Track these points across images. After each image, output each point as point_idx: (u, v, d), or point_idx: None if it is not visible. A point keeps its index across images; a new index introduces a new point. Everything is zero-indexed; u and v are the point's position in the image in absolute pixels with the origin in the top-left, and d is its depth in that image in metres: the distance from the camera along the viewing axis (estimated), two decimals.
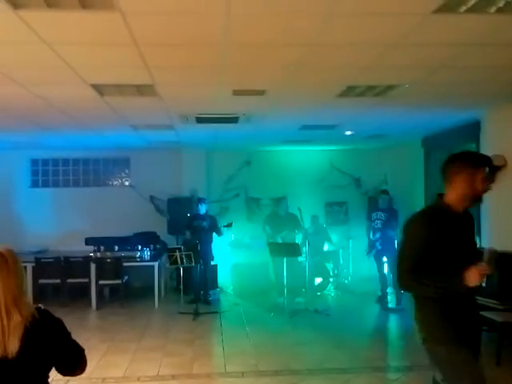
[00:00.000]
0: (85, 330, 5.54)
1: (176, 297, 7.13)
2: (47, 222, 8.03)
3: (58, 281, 6.61)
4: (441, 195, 2.18)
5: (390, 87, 4.04)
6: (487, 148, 5.14)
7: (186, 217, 6.92)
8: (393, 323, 6.04)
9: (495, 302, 4.38)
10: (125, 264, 6.71)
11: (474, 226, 2.28)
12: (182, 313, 6.22)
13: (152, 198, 8.22)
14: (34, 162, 8.36)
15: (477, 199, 2.13)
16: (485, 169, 2.08)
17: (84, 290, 6.74)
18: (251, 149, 8.36)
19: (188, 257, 6.33)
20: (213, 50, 3.00)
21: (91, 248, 7.07)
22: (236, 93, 4.16)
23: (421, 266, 2.04)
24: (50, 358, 1.61)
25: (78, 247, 7.22)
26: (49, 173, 8.41)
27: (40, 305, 1.68)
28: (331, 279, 7.49)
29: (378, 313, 6.33)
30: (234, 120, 5.44)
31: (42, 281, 6.59)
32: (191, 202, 7.59)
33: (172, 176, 8.19)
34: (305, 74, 3.58)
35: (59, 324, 1.65)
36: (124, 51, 2.97)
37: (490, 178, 2.13)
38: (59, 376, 1.77)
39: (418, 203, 7.72)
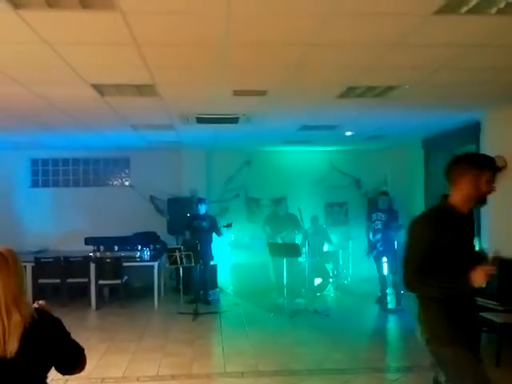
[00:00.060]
0: (84, 329, 5.54)
1: (176, 297, 7.13)
2: (47, 221, 8.03)
3: (58, 280, 6.61)
4: (445, 196, 2.20)
5: (391, 88, 4.04)
6: (487, 149, 5.14)
7: (186, 217, 6.92)
8: (392, 324, 6.04)
9: (495, 303, 4.38)
10: (124, 264, 6.70)
11: (474, 226, 2.29)
12: (182, 313, 6.21)
13: (152, 198, 8.22)
14: (34, 162, 8.36)
15: (481, 200, 2.15)
16: (489, 170, 2.10)
17: (84, 290, 6.74)
18: (251, 149, 8.37)
19: (188, 257, 6.33)
20: (213, 50, 3.00)
21: (91, 248, 7.07)
22: (236, 93, 4.16)
23: (426, 266, 2.05)
24: (49, 358, 1.61)
25: (77, 247, 7.22)
26: (49, 173, 8.40)
27: (40, 303, 1.68)
28: (331, 280, 7.49)
29: (377, 313, 6.33)
30: (234, 120, 5.44)
31: (41, 280, 6.59)
32: (191, 202, 7.59)
33: (172, 176, 8.19)
34: (305, 74, 3.59)
35: (58, 324, 1.65)
36: (124, 51, 2.97)
37: (493, 180, 2.15)
38: (58, 375, 1.77)
39: (418, 204, 7.72)
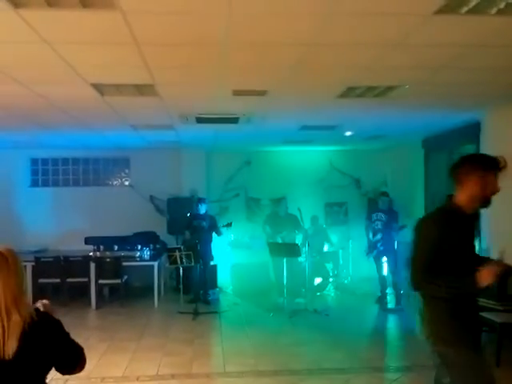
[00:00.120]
0: (84, 329, 5.54)
1: (175, 296, 7.13)
2: (47, 221, 8.03)
3: (58, 280, 6.61)
4: (450, 196, 2.22)
5: (391, 88, 4.04)
6: (487, 149, 5.14)
7: (186, 217, 6.92)
8: (392, 324, 6.04)
9: (494, 302, 4.38)
10: (124, 263, 6.71)
11: (474, 228, 2.31)
12: (182, 312, 6.22)
13: (152, 198, 8.22)
14: (34, 162, 8.36)
15: (486, 201, 2.17)
16: (494, 171, 2.13)
17: (84, 290, 6.74)
18: (251, 149, 8.36)
19: (187, 256, 6.33)
20: (213, 50, 3.00)
21: (91, 247, 7.07)
22: (236, 93, 4.16)
23: (433, 266, 2.06)
24: (48, 358, 1.60)
25: (77, 247, 7.22)
26: (49, 172, 8.40)
27: (44, 302, 1.68)
28: (331, 279, 7.49)
29: (377, 313, 6.33)
30: (234, 120, 5.44)
31: (41, 280, 6.59)
32: (191, 201, 7.60)
33: (172, 176, 8.19)
34: (305, 74, 3.58)
35: (57, 325, 1.64)
36: (124, 51, 2.97)
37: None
38: (58, 375, 1.77)
39: (418, 204, 7.73)
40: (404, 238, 6.93)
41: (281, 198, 7.33)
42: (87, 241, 7.28)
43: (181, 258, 6.35)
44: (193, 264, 6.42)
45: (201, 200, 7.01)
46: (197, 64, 3.29)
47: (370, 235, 6.46)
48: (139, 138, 6.79)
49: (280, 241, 6.87)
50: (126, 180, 8.51)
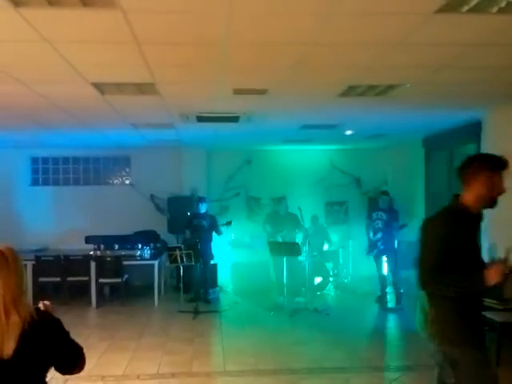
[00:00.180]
0: (85, 328, 5.55)
1: (176, 295, 7.13)
2: (47, 220, 8.03)
3: (58, 279, 6.62)
4: (457, 196, 2.23)
5: (391, 87, 4.04)
6: (488, 148, 5.13)
7: (186, 216, 6.92)
8: (392, 323, 6.05)
9: (495, 301, 4.38)
10: (125, 262, 6.71)
11: (479, 227, 2.33)
12: (182, 311, 6.22)
13: (152, 197, 8.22)
14: (35, 161, 8.37)
15: (493, 202, 2.19)
16: (501, 172, 2.14)
17: (84, 289, 6.75)
18: (252, 148, 8.36)
19: (188, 255, 6.33)
20: (214, 49, 3.00)
21: (91, 246, 7.08)
22: (237, 92, 4.15)
23: (441, 265, 2.07)
24: (47, 358, 1.60)
25: (78, 245, 7.23)
26: (49, 171, 8.41)
27: (45, 303, 1.68)
28: (331, 279, 7.49)
29: (377, 312, 6.33)
30: (234, 119, 5.44)
31: (42, 279, 6.60)
32: (191, 200, 7.60)
33: (172, 175, 8.19)
34: (306, 73, 3.58)
35: (57, 325, 1.64)
36: (125, 49, 2.97)
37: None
38: (58, 374, 1.77)
39: (419, 203, 7.73)
40: (404, 237, 6.94)
41: (281, 197, 7.34)
42: (88, 240, 7.29)
43: (181, 257, 6.35)
44: (193, 263, 6.42)
45: (201, 199, 7.02)
46: (197, 63, 3.29)
47: (371, 234, 6.46)
48: (140, 136, 6.79)
49: (280, 240, 6.87)
50: (127, 179, 8.51)
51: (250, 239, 8.09)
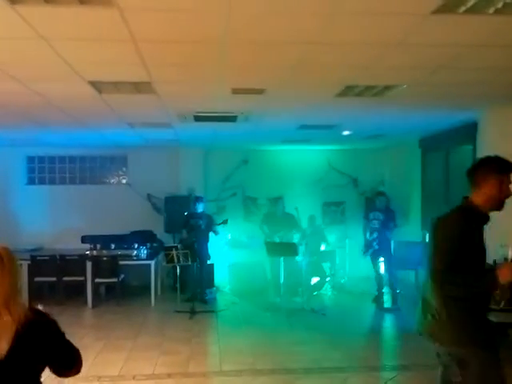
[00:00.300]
0: (80, 327, 5.53)
1: (172, 295, 7.11)
2: (43, 219, 7.99)
3: (54, 279, 6.58)
4: (466, 198, 2.26)
5: (389, 87, 4.04)
6: (484, 149, 5.14)
7: (183, 215, 6.91)
8: (389, 323, 6.06)
9: (492, 302, 4.39)
10: (121, 262, 6.69)
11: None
12: (179, 311, 6.21)
13: (149, 197, 8.20)
14: (31, 160, 8.33)
15: (501, 204, 2.21)
16: (510, 174, 2.17)
17: (80, 288, 6.72)
18: (249, 148, 8.36)
19: (185, 255, 6.32)
20: (212, 48, 2.99)
21: (87, 246, 7.05)
22: (235, 91, 4.15)
23: (453, 265, 2.08)
24: (42, 359, 1.59)
25: (74, 245, 7.19)
26: (45, 170, 8.37)
27: (40, 306, 1.67)
28: (328, 279, 7.50)
29: (374, 312, 6.34)
30: (232, 119, 5.43)
31: (37, 279, 6.56)
32: (188, 200, 7.59)
33: (169, 174, 8.17)
34: (304, 73, 3.58)
35: (53, 325, 1.63)
36: (122, 48, 2.96)
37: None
38: (53, 374, 1.76)
39: (415, 204, 7.75)
40: (400, 237, 6.95)
41: (278, 198, 7.33)
42: (84, 239, 7.26)
43: (178, 257, 6.34)
44: (190, 263, 6.41)
45: (198, 199, 7.01)
46: (195, 62, 3.28)
47: (367, 234, 6.48)
48: (137, 136, 6.77)
49: (277, 240, 6.87)
50: (124, 178, 8.48)
51: (247, 239, 8.08)
